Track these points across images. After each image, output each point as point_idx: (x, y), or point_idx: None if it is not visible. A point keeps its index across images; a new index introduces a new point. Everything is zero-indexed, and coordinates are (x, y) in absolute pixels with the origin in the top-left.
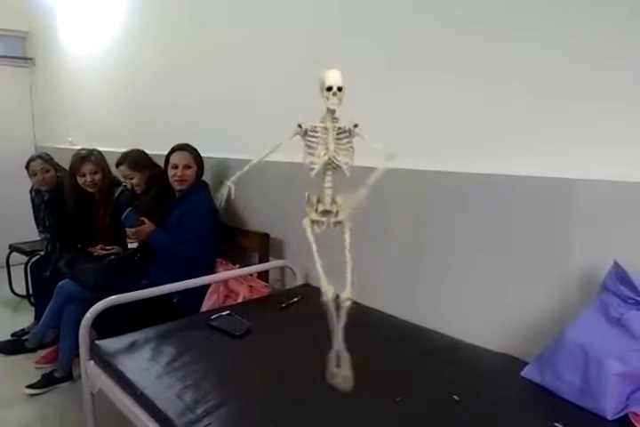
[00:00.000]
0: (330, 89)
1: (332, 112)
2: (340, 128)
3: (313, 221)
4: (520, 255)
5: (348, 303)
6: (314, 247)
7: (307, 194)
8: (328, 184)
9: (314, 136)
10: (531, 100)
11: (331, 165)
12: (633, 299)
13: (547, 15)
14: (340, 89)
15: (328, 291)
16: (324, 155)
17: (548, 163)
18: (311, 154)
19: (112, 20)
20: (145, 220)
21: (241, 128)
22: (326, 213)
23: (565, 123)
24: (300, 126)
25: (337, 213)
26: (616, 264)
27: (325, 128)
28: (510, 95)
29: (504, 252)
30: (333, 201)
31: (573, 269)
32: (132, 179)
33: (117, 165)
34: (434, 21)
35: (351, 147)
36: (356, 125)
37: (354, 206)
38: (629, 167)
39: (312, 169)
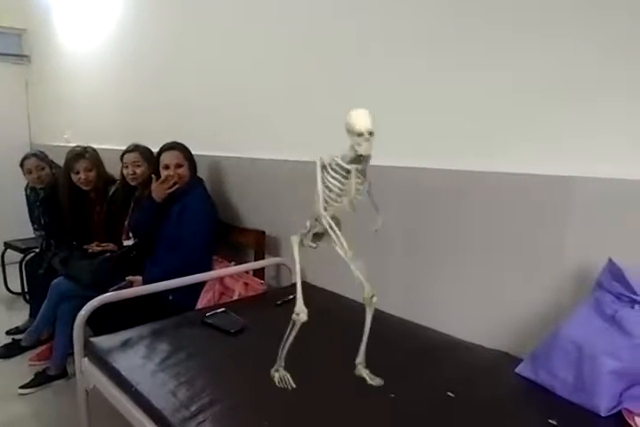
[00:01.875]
0: (361, 135)
1: (360, 158)
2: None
3: (302, 242)
4: (515, 253)
5: (375, 300)
6: (297, 267)
7: (307, 223)
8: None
9: (337, 179)
10: (526, 97)
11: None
12: (627, 296)
13: (545, 14)
14: (371, 133)
15: (302, 313)
16: (344, 200)
17: (544, 160)
18: (332, 199)
19: (108, 18)
20: (131, 279)
21: (236, 127)
22: (317, 235)
23: (561, 121)
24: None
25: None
26: (611, 262)
27: (349, 171)
28: (506, 93)
29: (499, 250)
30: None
31: (568, 267)
32: (138, 166)
33: (126, 152)
34: (432, 20)
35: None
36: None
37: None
38: (624, 165)
39: (326, 210)
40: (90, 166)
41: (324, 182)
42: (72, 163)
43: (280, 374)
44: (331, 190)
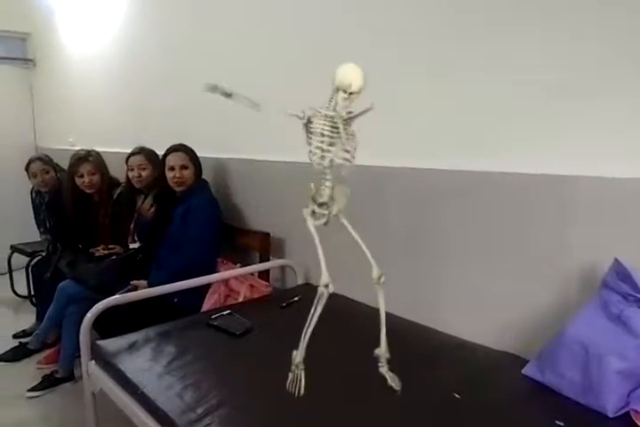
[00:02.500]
0: (352, 93)
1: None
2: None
3: (313, 212)
4: (520, 253)
5: (383, 279)
6: (316, 239)
7: (311, 185)
8: (329, 177)
9: (332, 131)
10: (528, 97)
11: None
12: (633, 296)
13: (545, 11)
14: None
15: (329, 283)
16: (342, 151)
17: (547, 160)
18: (327, 150)
19: (112, 21)
20: (136, 284)
21: (241, 129)
22: (323, 204)
23: (563, 120)
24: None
25: (331, 206)
26: (617, 261)
27: (336, 122)
28: (506, 92)
29: (504, 250)
30: (331, 196)
31: (573, 267)
32: (144, 169)
33: (132, 155)
34: (431, 19)
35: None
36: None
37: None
38: (627, 163)
39: (320, 164)
40: (94, 170)
41: (318, 130)
42: (76, 166)
43: (294, 375)
44: (324, 135)
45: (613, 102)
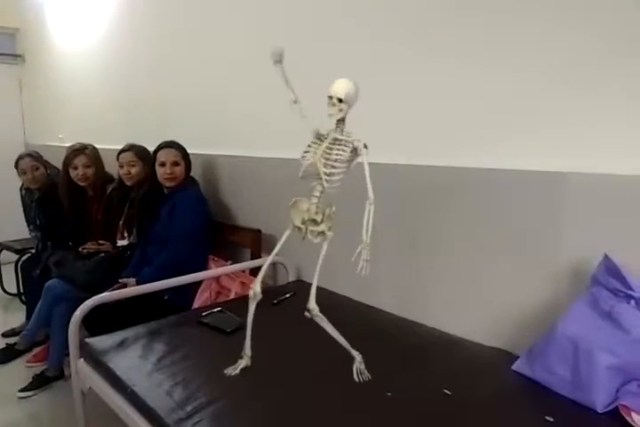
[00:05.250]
0: (331, 98)
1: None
2: (336, 139)
3: (297, 227)
4: (511, 249)
5: (314, 313)
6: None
7: (294, 200)
8: (316, 193)
9: (312, 142)
10: (522, 92)
11: (318, 175)
12: (623, 292)
13: (547, 7)
14: (340, 100)
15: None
16: (308, 159)
17: (538, 156)
18: (302, 157)
19: (102, 17)
20: (124, 281)
21: (231, 125)
22: (311, 221)
23: (556, 116)
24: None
25: (321, 222)
26: (606, 257)
27: (324, 136)
28: (501, 88)
29: (495, 246)
30: (320, 211)
31: (564, 263)
32: (133, 166)
33: (121, 151)
34: (430, 14)
35: (340, 161)
36: (365, 146)
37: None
38: (620, 160)
39: (300, 171)
40: (88, 162)
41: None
42: (71, 158)
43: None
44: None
45: (606, 99)
